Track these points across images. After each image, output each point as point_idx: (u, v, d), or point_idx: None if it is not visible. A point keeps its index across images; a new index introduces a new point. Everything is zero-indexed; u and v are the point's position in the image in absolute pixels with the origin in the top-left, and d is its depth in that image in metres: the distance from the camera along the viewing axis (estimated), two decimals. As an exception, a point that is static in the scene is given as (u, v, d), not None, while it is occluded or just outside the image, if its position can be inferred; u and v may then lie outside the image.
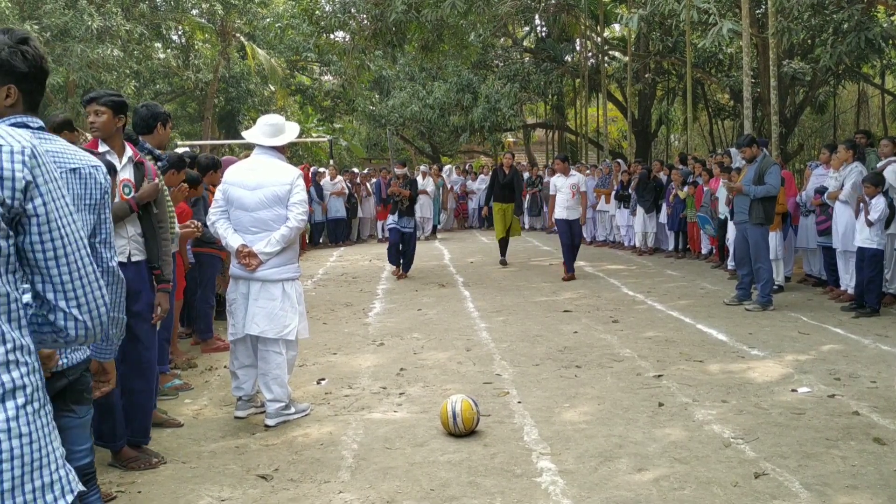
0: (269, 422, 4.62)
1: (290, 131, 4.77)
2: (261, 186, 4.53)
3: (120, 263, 3.89)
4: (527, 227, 18.03)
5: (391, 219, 10.76)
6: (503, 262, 12.18)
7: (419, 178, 15.35)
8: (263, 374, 4.62)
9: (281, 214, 4.56)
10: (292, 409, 4.74)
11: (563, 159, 10.73)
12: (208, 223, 4.82)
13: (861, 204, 7.36)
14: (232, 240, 4.59)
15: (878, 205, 7.25)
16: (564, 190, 10.41)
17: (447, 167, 21.47)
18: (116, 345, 2.58)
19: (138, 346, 3.98)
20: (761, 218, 7.78)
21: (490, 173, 14.07)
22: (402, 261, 10.88)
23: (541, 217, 18.35)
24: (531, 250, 13.92)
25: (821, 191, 8.54)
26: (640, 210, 13.13)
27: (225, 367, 6.05)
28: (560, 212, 10.49)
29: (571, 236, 10.40)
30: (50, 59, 17.72)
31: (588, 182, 15.37)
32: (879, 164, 7.90)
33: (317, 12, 16.67)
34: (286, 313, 4.59)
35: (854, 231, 7.64)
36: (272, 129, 4.67)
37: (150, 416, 4.26)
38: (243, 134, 5.08)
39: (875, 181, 7.33)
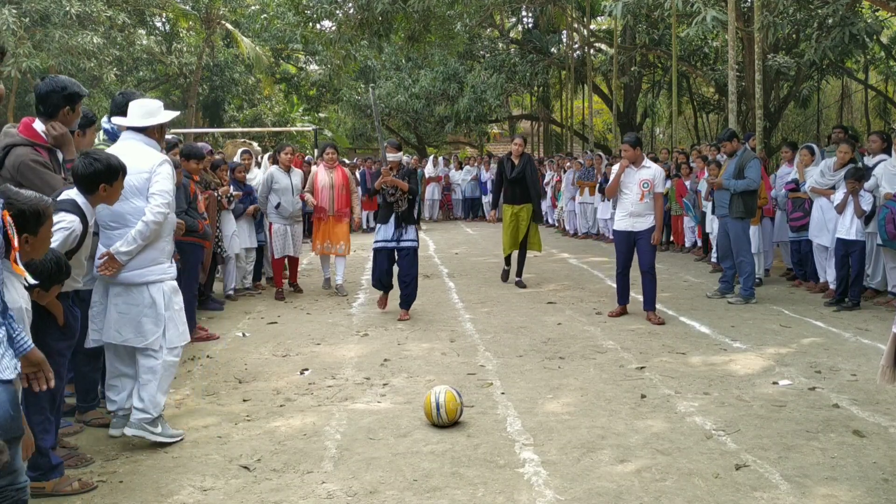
0: (127, 431, 4.06)
1: (162, 115, 4.31)
2: None
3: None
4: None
5: (381, 232, 7.25)
6: (518, 283, 9.16)
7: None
8: (137, 380, 4.12)
9: (140, 208, 4.00)
10: (159, 429, 4.10)
11: (635, 143, 7.11)
12: None
13: (850, 197, 7.35)
14: None
15: (868, 197, 7.33)
16: (632, 187, 7.03)
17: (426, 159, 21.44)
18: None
19: None
20: (741, 212, 7.82)
21: (496, 166, 9.99)
22: (401, 293, 7.38)
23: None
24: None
25: (795, 184, 8.60)
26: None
27: (208, 356, 6.04)
28: (622, 220, 7.17)
29: (631, 255, 7.21)
30: (30, 44, 17.59)
31: (570, 174, 15.45)
32: (868, 161, 7.92)
33: (303, 2, 16.57)
34: (148, 321, 4.04)
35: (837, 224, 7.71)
36: (144, 110, 4.25)
37: None
38: (113, 120, 4.61)
39: (857, 176, 7.37)
